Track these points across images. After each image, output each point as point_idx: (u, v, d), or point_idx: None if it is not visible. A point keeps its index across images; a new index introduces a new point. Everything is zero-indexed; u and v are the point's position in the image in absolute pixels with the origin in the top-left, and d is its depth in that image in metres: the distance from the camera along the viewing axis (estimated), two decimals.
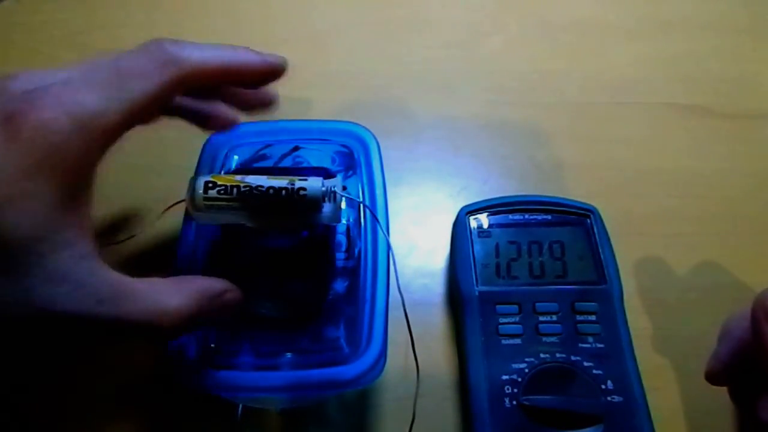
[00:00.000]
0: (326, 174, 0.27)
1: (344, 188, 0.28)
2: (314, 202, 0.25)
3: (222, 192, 0.25)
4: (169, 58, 0.22)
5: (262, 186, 0.25)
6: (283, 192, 0.25)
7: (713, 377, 0.28)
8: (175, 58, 0.22)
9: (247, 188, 0.25)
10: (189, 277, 0.24)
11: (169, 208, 0.31)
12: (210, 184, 0.25)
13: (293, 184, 0.25)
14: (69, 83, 0.20)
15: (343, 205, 0.30)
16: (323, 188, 0.25)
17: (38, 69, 0.22)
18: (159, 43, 0.22)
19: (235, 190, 0.25)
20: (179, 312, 0.22)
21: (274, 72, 0.26)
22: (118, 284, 0.21)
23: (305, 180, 0.25)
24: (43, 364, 0.32)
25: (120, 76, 0.21)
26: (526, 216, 0.35)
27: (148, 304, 0.21)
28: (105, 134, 0.20)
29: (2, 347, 0.30)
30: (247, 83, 0.26)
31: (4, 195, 0.18)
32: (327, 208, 0.25)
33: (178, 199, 0.26)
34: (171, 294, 0.22)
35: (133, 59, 0.22)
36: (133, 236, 0.27)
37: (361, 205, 0.30)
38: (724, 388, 0.29)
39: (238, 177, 0.25)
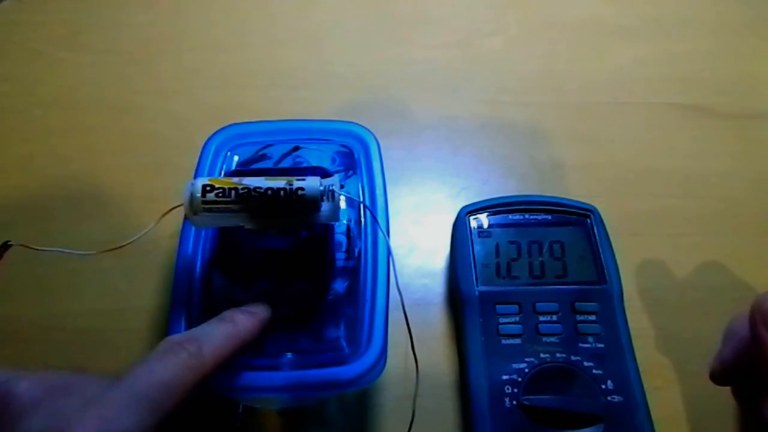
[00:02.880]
0: (322, 173, 0.27)
1: (341, 186, 0.28)
2: (313, 202, 0.25)
3: (220, 195, 0.24)
4: (191, 362, 0.22)
5: (260, 187, 0.25)
6: (282, 193, 0.25)
7: (717, 377, 0.28)
8: (196, 360, 0.22)
9: (246, 190, 0.25)
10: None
11: (167, 213, 0.31)
12: (208, 188, 0.25)
13: (291, 185, 0.25)
14: (102, 409, 0.20)
15: (343, 204, 0.30)
16: (321, 187, 0.25)
17: (54, 375, 0.21)
18: (178, 347, 0.22)
19: (233, 192, 0.25)
20: None
21: (265, 326, 0.26)
22: None
23: (303, 180, 0.25)
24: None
25: (151, 398, 0.20)
26: (526, 216, 0.35)
27: None
28: None
29: None
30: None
31: None
32: (325, 207, 0.25)
33: (178, 201, 0.25)
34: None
35: (160, 373, 0.21)
36: (133, 241, 0.27)
37: (362, 205, 0.30)
38: (725, 388, 0.29)
39: (235, 179, 0.25)
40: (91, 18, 0.49)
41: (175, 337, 0.23)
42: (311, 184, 0.25)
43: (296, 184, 0.25)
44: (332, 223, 0.28)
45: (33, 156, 0.41)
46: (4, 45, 0.48)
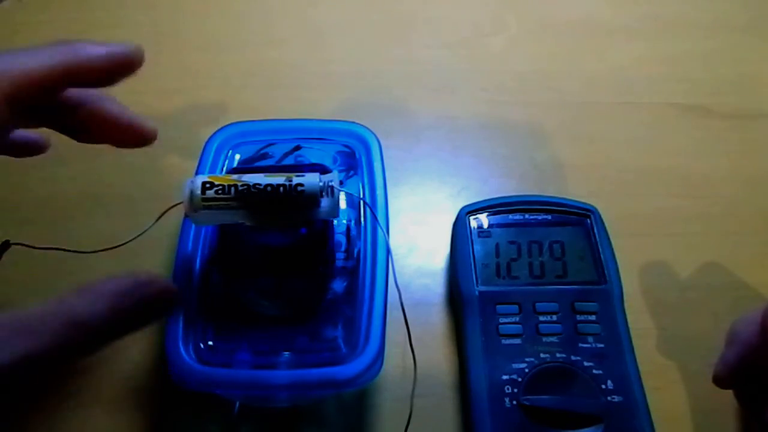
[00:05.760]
0: (321, 170, 0.27)
1: (341, 183, 0.28)
2: (312, 198, 0.25)
3: (220, 192, 0.25)
4: None
5: (259, 184, 0.25)
6: (281, 189, 0.25)
7: (720, 381, 0.28)
8: None
9: (245, 187, 0.25)
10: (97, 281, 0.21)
11: (167, 211, 0.31)
12: (207, 185, 0.25)
13: (291, 181, 0.25)
14: None
15: (343, 205, 0.30)
16: (320, 183, 0.25)
17: None
18: None
19: (233, 189, 0.25)
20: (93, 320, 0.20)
21: (124, 65, 0.23)
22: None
23: (302, 176, 0.25)
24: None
25: None
26: (526, 216, 0.35)
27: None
28: None
29: None
30: (96, 82, 0.22)
31: None
32: (325, 203, 0.25)
33: (179, 200, 0.25)
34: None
35: None
36: (132, 240, 0.27)
37: (362, 203, 0.30)
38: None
39: (235, 176, 0.25)
40: (91, 18, 0.49)
41: None
42: (310, 180, 0.25)
43: (295, 180, 0.25)
44: (332, 219, 0.28)
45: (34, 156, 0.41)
46: (5, 45, 0.48)
